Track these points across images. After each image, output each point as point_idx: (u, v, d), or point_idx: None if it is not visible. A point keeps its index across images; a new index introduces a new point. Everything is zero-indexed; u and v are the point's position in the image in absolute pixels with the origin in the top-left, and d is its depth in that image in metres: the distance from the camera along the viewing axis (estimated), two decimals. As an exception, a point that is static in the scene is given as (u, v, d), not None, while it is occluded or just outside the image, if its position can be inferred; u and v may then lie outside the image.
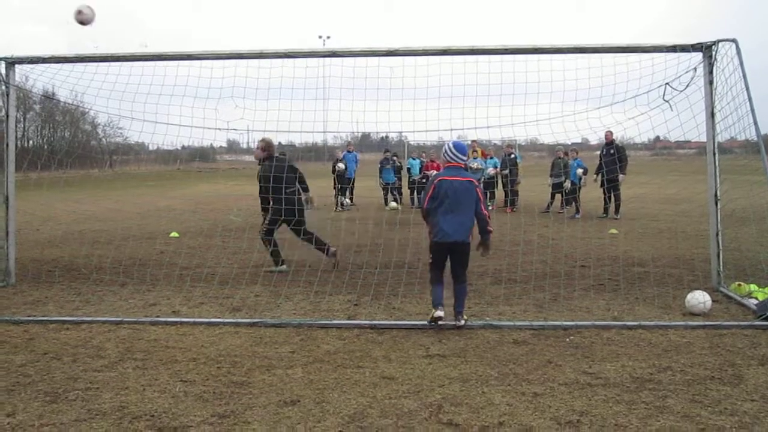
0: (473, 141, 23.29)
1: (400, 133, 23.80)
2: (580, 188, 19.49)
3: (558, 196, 20.83)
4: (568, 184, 20.12)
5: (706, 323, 7.64)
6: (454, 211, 7.47)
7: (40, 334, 7.51)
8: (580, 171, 19.93)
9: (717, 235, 9.28)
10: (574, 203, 19.63)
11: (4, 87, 10.16)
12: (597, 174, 18.96)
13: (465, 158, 7.79)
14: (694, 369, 6.17)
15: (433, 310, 7.53)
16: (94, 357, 6.66)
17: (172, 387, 5.82)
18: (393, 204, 22.80)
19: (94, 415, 5.21)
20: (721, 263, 9.38)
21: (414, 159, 25.05)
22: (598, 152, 19.74)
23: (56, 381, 6.00)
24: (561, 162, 20.62)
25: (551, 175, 20.95)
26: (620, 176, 18.13)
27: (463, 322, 7.53)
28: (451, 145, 7.75)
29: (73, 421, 5.12)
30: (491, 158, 23.13)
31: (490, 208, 21.69)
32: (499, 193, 23.09)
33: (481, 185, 21.86)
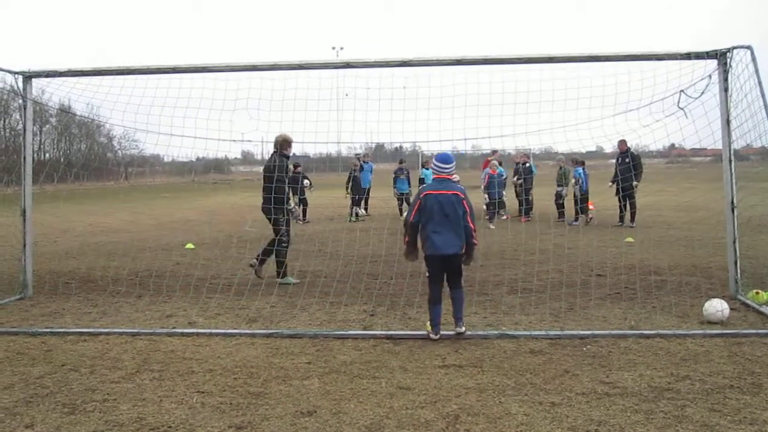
0: (495, 151, 23.33)
1: (414, 143, 23.78)
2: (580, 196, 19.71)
3: (565, 205, 21.01)
4: (564, 192, 20.47)
5: (725, 332, 7.58)
6: (443, 224, 7.45)
7: (57, 346, 7.55)
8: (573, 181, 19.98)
9: (734, 242, 9.21)
10: (580, 211, 19.73)
11: (21, 101, 10.26)
12: (613, 182, 18.96)
13: (449, 168, 7.71)
14: (712, 378, 6.12)
15: (429, 329, 7.56)
16: (111, 368, 6.69)
17: (189, 398, 5.83)
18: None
19: (112, 427, 5.23)
20: (738, 271, 9.31)
21: (428, 169, 25.01)
22: (614, 161, 19.76)
23: (74, 392, 6.02)
24: (562, 172, 20.90)
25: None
26: (634, 183, 18.07)
27: (463, 328, 7.52)
28: (435, 159, 7.83)
29: (91, 432, 5.15)
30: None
31: (504, 217, 21.85)
32: (510, 202, 23.17)
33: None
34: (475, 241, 7.67)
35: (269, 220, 11.15)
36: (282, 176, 10.91)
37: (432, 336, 7.44)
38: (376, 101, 9.16)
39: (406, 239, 7.78)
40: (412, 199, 7.81)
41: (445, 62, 9.22)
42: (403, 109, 9.18)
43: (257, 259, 11.26)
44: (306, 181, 22.57)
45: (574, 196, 19.90)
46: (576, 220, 19.91)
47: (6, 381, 6.36)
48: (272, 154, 11.09)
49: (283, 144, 11.07)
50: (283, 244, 11.09)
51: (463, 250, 7.60)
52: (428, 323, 7.63)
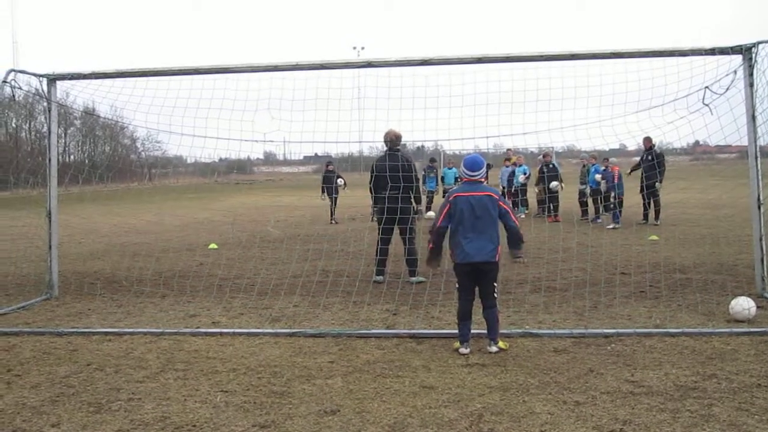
0: (509, 149, 23.29)
1: (436, 141, 23.77)
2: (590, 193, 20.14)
3: (589, 203, 20.93)
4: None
5: (751, 330, 7.49)
6: (474, 229, 6.94)
7: (83, 346, 7.62)
8: (598, 176, 19.78)
9: (760, 240, 9.10)
10: (607, 210, 19.66)
11: (45, 103, 10.37)
12: (631, 171, 18.98)
13: (477, 174, 7.19)
14: (739, 376, 6.05)
15: (459, 345, 7.07)
16: (136, 368, 6.74)
17: (213, 397, 5.86)
18: (430, 213, 22.74)
19: (137, 426, 5.27)
20: (765, 269, 9.19)
21: (450, 168, 25.01)
22: (638, 158, 19.65)
23: (99, 392, 6.07)
24: (585, 170, 20.84)
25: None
26: (657, 184, 17.93)
27: (495, 348, 6.99)
28: (463, 165, 7.30)
29: (117, 431, 5.18)
30: (520, 166, 23.11)
31: (522, 216, 21.80)
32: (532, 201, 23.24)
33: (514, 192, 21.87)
34: (523, 241, 7.17)
35: (391, 221, 10.88)
36: (417, 175, 11.08)
37: (462, 350, 6.98)
38: (397, 100, 9.15)
39: (431, 246, 7.29)
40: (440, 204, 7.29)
41: (466, 60, 9.19)
42: (424, 107, 9.16)
43: (412, 276, 11.06)
44: (340, 180, 22.57)
45: (597, 192, 19.80)
46: (598, 217, 19.84)
47: (33, 380, 6.43)
48: (390, 153, 11.05)
49: (395, 140, 11.06)
50: (413, 242, 11.05)
51: (497, 259, 7.08)
52: (456, 342, 7.13)
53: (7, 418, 5.48)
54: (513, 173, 23.34)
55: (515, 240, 7.13)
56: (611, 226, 18.12)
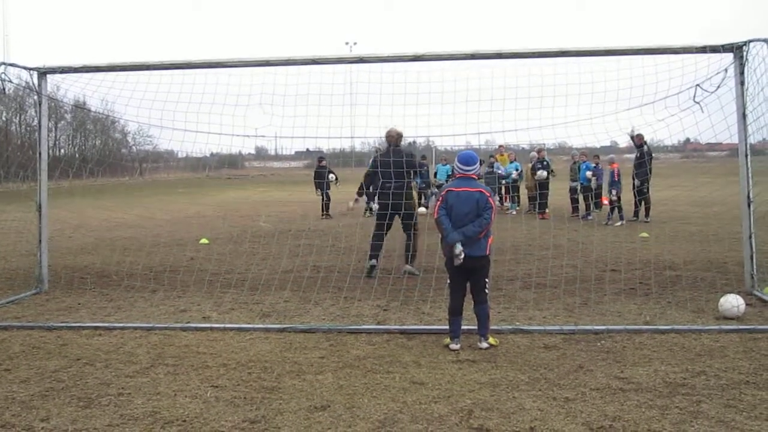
0: (500, 146, 23.31)
1: (428, 137, 23.76)
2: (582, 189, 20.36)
3: (579, 200, 20.98)
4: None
5: (740, 327, 7.54)
6: (461, 224, 6.95)
7: (73, 340, 7.60)
8: (589, 173, 19.80)
9: (750, 237, 9.15)
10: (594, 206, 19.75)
11: (36, 97, 10.32)
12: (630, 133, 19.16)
13: (471, 169, 7.21)
14: (728, 373, 6.09)
15: (449, 341, 7.10)
16: (126, 363, 6.72)
17: (203, 392, 5.85)
18: (422, 209, 22.71)
19: (127, 420, 5.26)
20: (754, 266, 9.25)
21: (444, 165, 25.00)
22: (627, 155, 19.74)
23: (89, 386, 6.06)
24: (575, 167, 20.91)
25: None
26: (636, 182, 17.96)
27: (485, 345, 7.02)
28: (457, 160, 7.30)
29: (106, 426, 5.17)
30: (512, 162, 23.13)
31: (513, 213, 21.86)
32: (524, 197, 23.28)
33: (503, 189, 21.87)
34: (480, 232, 6.94)
35: (392, 215, 11.04)
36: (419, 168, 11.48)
37: (452, 346, 7.01)
38: (389, 96, 9.14)
39: (442, 238, 7.21)
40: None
41: (458, 56, 9.19)
42: (416, 103, 9.15)
43: (407, 263, 11.17)
44: (332, 176, 22.57)
45: (588, 189, 19.85)
46: (589, 214, 19.90)
47: (22, 375, 6.41)
48: (393, 149, 11.17)
49: (398, 138, 11.23)
50: (416, 233, 11.23)
51: (488, 252, 7.11)
52: (447, 338, 7.18)
53: (-4, 413, 5.48)
54: (490, 172, 23.39)
55: (473, 228, 6.94)
56: (619, 224, 18.17)
